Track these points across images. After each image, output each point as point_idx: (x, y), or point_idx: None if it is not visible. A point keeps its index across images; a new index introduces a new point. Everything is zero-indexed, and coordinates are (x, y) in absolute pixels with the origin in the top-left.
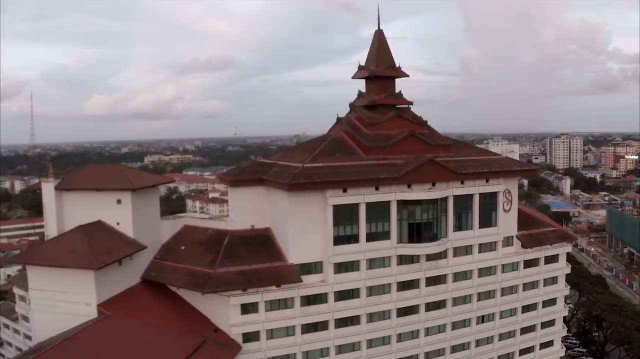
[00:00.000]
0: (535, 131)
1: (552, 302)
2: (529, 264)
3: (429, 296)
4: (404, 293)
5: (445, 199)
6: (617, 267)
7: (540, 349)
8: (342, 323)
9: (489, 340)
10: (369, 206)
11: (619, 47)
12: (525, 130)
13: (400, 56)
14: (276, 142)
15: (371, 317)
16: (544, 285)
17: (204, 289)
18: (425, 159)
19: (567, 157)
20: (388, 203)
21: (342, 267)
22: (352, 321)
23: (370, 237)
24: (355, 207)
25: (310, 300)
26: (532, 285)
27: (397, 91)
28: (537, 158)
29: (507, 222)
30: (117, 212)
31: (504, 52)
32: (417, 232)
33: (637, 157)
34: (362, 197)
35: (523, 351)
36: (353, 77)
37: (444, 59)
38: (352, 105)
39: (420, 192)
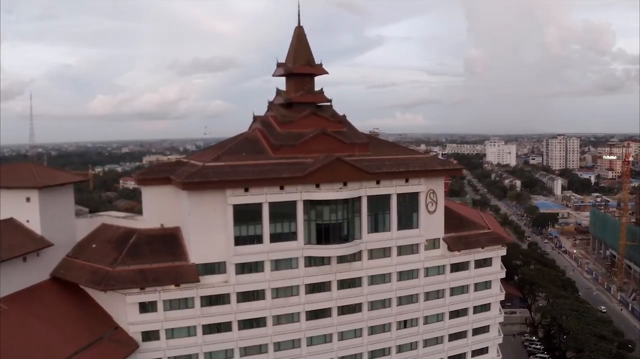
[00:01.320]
0: (538, 132)
1: (485, 308)
2: (457, 267)
3: (342, 299)
4: (314, 295)
5: (358, 199)
6: (597, 270)
7: (473, 356)
8: (247, 324)
9: (412, 346)
10: (273, 205)
11: (623, 48)
12: (528, 131)
13: (404, 56)
14: None
15: (278, 319)
16: (475, 290)
17: (100, 286)
18: (333, 158)
19: (564, 158)
20: (294, 203)
21: (245, 268)
22: (258, 323)
23: (275, 237)
24: (257, 207)
25: (212, 300)
26: (461, 290)
27: (319, 88)
28: (534, 159)
29: (432, 224)
30: (27, 210)
31: (508, 53)
32: (326, 233)
33: (615, 157)
34: (264, 197)
35: (453, 358)
36: (273, 75)
37: (448, 60)
38: (270, 103)
39: (328, 193)
